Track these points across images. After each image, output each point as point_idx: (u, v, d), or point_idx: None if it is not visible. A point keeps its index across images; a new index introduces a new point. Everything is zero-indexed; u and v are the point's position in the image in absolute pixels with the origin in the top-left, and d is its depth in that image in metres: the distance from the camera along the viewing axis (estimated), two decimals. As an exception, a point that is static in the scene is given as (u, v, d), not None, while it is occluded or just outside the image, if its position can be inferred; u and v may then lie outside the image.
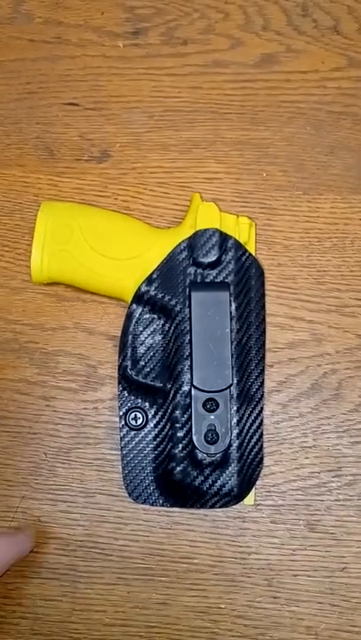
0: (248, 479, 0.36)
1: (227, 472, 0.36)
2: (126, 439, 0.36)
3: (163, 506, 0.36)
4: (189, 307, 0.35)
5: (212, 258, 0.36)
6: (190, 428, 0.35)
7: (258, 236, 0.39)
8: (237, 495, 0.36)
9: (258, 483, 0.37)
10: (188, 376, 0.35)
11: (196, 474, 0.35)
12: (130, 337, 0.36)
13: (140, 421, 0.36)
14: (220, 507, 0.36)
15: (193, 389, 0.35)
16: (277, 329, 0.38)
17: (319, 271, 0.39)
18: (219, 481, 0.35)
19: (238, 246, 0.37)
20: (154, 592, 0.37)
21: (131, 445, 0.36)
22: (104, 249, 0.36)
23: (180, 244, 0.37)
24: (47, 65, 0.42)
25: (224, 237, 0.37)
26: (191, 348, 0.35)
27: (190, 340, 0.35)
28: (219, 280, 0.36)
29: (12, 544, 0.34)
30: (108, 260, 0.36)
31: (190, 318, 0.35)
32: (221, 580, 0.37)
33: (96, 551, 0.37)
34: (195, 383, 0.35)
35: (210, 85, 0.41)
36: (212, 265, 0.36)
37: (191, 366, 0.35)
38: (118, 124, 0.41)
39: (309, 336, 0.38)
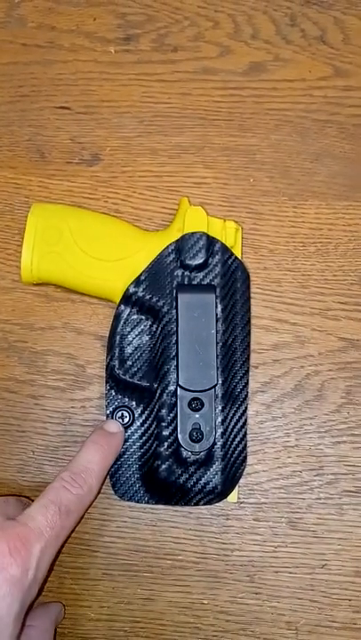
0: (232, 477, 0.37)
1: (211, 470, 0.36)
2: None
3: (148, 503, 0.37)
4: (176, 308, 0.36)
5: (198, 260, 0.37)
6: (176, 427, 0.36)
7: (244, 240, 0.40)
8: (221, 493, 0.37)
9: (241, 481, 0.38)
10: (175, 376, 0.36)
11: (180, 472, 0.36)
12: (118, 337, 0.37)
13: (126, 420, 0.37)
14: (204, 504, 0.37)
15: (178, 389, 0.36)
16: (262, 331, 0.39)
17: (304, 275, 0.40)
18: (203, 479, 0.36)
19: (225, 250, 0.38)
20: (138, 588, 0.38)
21: None
22: (93, 251, 0.37)
23: (167, 247, 0.37)
24: (39, 69, 0.42)
25: (211, 241, 0.37)
26: (177, 347, 0.36)
27: (176, 341, 0.36)
28: (205, 282, 0.37)
29: (52, 614, 0.35)
30: (97, 261, 0.37)
31: (177, 319, 0.36)
32: (205, 576, 0.38)
33: (82, 547, 0.38)
34: (180, 383, 0.36)
35: (199, 92, 0.42)
36: (199, 267, 0.37)
37: (177, 366, 0.36)
38: (109, 128, 0.42)
39: (293, 338, 0.39)
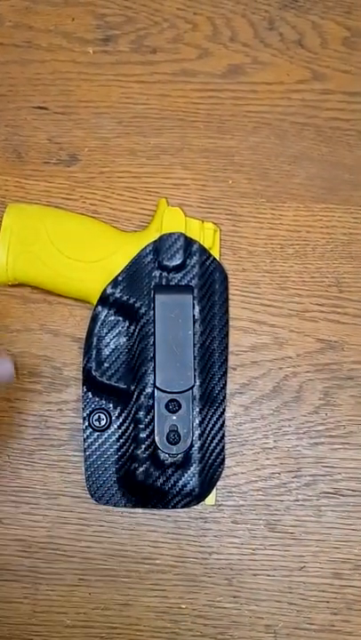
0: (209, 479, 0.36)
1: (188, 472, 0.36)
2: (89, 440, 0.36)
3: (125, 506, 0.36)
4: (153, 309, 0.36)
5: (176, 261, 0.37)
6: (153, 429, 0.36)
7: (223, 241, 0.40)
8: (198, 495, 0.36)
9: (219, 483, 0.37)
10: (152, 378, 0.36)
11: (158, 474, 0.36)
12: (95, 339, 0.37)
13: (103, 422, 0.36)
14: (182, 507, 0.36)
15: (156, 390, 0.36)
16: (241, 332, 0.39)
17: (282, 277, 0.40)
18: (180, 481, 0.36)
19: (203, 251, 0.38)
20: (115, 593, 0.37)
21: (94, 447, 0.36)
22: (70, 251, 0.37)
23: (145, 248, 0.37)
24: (17, 68, 0.42)
25: (189, 242, 0.37)
26: (155, 348, 0.36)
27: (154, 342, 0.36)
28: (183, 283, 0.37)
29: None
30: (74, 262, 0.37)
31: (154, 320, 0.36)
32: (182, 580, 0.37)
33: (58, 553, 0.37)
34: (157, 384, 0.35)
35: (178, 94, 0.42)
36: (177, 268, 0.37)
37: (155, 368, 0.36)
38: (87, 128, 0.41)
39: (271, 340, 0.39)
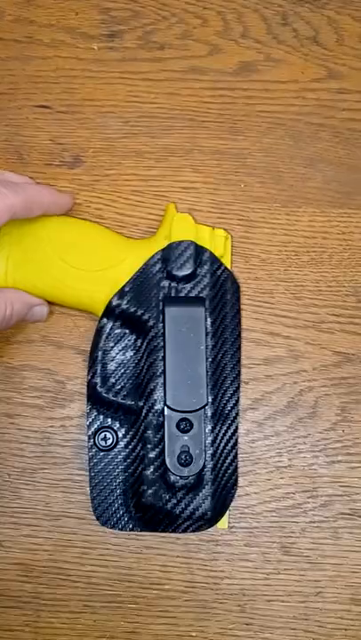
0: (222, 502, 0.34)
1: (200, 495, 0.34)
2: (95, 460, 0.35)
3: (132, 530, 0.34)
4: (163, 322, 0.34)
5: (186, 271, 0.35)
6: (163, 450, 0.34)
7: (235, 248, 0.38)
8: (211, 519, 0.34)
9: (231, 504, 0.35)
10: (161, 394, 0.34)
11: (168, 497, 0.34)
12: (100, 353, 0.35)
13: (109, 442, 0.34)
14: (193, 531, 0.34)
15: (166, 409, 0.34)
16: (253, 344, 0.37)
17: (297, 286, 0.38)
18: (192, 504, 0.34)
19: (214, 259, 0.36)
20: (122, 620, 0.35)
21: (100, 467, 0.34)
22: (74, 259, 0.35)
23: (153, 256, 0.35)
24: (17, 65, 0.40)
25: (199, 250, 0.35)
26: (165, 365, 0.34)
27: (164, 357, 0.34)
28: (193, 294, 0.35)
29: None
30: (78, 271, 0.35)
31: (164, 334, 0.34)
32: (193, 606, 0.35)
33: (61, 577, 0.35)
34: (168, 403, 0.33)
35: (187, 92, 0.40)
36: (187, 278, 0.35)
37: (165, 385, 0.34)
38: (92, 128, 0.39)
39: (286, 352, 0.37)
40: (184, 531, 0.34)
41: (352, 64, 0.40)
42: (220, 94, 0.40)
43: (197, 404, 0.34)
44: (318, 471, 0.36)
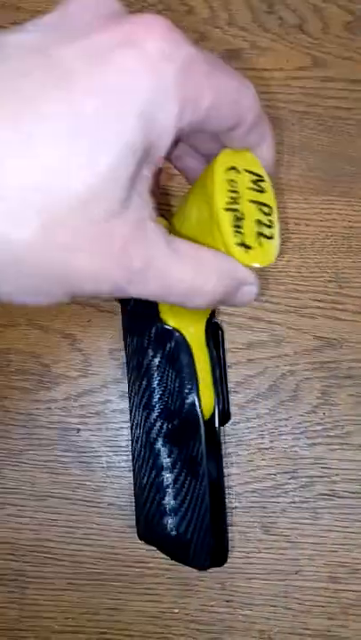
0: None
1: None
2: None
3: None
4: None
5: None
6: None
7: (219, 234, 0.38)
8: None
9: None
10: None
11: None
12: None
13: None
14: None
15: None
16: (236, 329, 0.38)
17: (280, 272, 0.39)
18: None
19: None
20: (105, 597, 0.36)
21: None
22: None
23: None
24: (4, 51, 0.40)
25: None
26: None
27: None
28: None
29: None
30: None
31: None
32: (175, 584, 0.36)
33: (46, 556, 0.36)
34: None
35: (173, 79, 0.40)
36: None
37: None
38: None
39: (268, 337, 0.38)
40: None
41: (337, 52, 0.41)
42: (205, 81, 0.40)
43: None
44: (299, 453, 0.37)
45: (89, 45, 0.17)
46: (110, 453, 0.37)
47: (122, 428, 0.37)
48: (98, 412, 0.37)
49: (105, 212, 0.17)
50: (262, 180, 0.24)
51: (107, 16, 0.19)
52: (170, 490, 0.32)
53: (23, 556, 0.36)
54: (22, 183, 0.16)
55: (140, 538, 0.34)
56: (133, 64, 0.17)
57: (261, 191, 0.24)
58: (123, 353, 0.37)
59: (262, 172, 0.24)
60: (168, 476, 0.32)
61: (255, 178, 0.24)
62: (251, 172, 0.24)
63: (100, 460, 0.37)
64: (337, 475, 0.37)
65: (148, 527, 0.33)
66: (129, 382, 0.34)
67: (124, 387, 0.37)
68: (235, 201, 0.23)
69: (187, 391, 0.32)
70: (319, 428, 0.37)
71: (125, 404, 0.37)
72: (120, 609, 0.36)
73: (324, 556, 0.37)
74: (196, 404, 0.31)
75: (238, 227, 0.22)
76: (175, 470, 0.32)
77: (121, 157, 0.17)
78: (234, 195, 0.23)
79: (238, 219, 0.23)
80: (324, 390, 0.38)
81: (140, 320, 0.33)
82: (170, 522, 0.32)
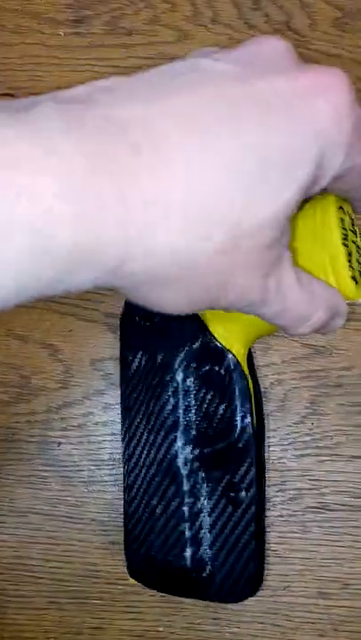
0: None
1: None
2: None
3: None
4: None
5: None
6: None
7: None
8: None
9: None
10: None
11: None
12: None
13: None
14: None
15: None
16: (222, 338, 0.37)
17: (266, 277, 0.38)
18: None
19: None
20: (88, 616, 0.35)
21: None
22: None
23: None
24: (-19, 52, 0.39)
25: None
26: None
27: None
28: None
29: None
30: None
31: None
32: (159, 601, 0.35)
33: (26, 574, 0.35)
34: None
35: (155, 79, 0.39)
36: None
37: None
38: (58, 117, 0.38)
39: (255, 345, 0.37)
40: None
41: (325, 50, 0.39)
42: (188, 81, 0.39)
43: None
44: (287, 464, 0.36)
45: (285, 84, 0.19)
46: (92, 467, 0.36)
47: (104, 441, 0.36)
48: (79, 424, 0.36)
49: (270, 239, 0.19)
50: (353, 224, 0.26)
51: (294, 60, 0.21)
52: (202, 518, 0.31)
53: (2, 574, 0.35)
54: (218, 201, 0.18)
55: (135, 576, 0.32)
56: (325, 111, 0.19)
57: (355, 233, 0.26)
58: (105, 364, 0.36)
59: (352, 216, 0.27)
60: (199, 504, 0.31)
61: (351, 221, 0.26)
62: (349, 215, 0.26)
63: (82, 474, 0.36)
64: (326, 487, 0.36)
65: (151, 562, 0.31)
66: (132, 400, 0.33)
67: (107, 399, 0.36)
68: (346, 238, 0.25)
69: (241, 414, 0.31)
70: (308, 438, 0.36)
71: (108, 417, 0.36)
72: (103, 628, 0.35)
73: (314, 571, 0.35)
74: (250, 427, 0.31)
75: (350, 262, 0.24)
76: (214, 497, 0.31)
77: (296, 195, 0.19)
78: (344, 232, 0.25)
79: (349, 254, 0.24)
80: (312, 400, 0.37)
81: (170, 336, 0.31)
82: (189, 553, 0.31)
